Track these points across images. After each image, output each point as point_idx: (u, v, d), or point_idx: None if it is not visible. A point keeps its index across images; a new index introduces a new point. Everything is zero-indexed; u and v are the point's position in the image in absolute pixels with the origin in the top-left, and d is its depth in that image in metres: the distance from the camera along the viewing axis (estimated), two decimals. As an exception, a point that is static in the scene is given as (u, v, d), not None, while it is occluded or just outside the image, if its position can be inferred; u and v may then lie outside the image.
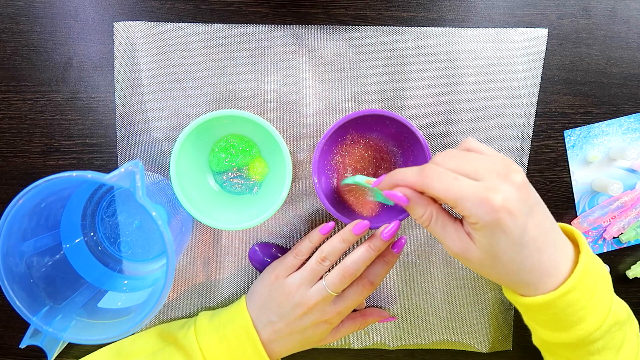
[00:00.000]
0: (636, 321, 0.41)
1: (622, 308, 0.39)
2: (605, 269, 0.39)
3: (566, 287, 0.34)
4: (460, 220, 0.37)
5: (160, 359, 0.43)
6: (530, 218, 0.34)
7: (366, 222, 0.43)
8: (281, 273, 0.45)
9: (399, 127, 0.44)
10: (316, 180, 0.43)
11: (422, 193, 0.37)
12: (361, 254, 0.43)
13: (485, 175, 0.34)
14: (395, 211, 0.46)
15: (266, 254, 0.50)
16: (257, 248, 0.50)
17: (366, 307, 0.52)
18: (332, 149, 0.47)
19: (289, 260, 0.45)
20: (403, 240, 0.46)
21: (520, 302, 0.37)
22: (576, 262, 0.36)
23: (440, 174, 0.34)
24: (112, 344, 0.47)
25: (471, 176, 0.34)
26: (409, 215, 0.42)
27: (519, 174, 0.34)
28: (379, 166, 0.48)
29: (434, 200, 0.37)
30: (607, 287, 0.37)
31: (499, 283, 0.38)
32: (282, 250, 0.50)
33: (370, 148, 0.48)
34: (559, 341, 0.37)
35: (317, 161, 0.43)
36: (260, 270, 0.50)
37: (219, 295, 0.51)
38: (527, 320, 0.40)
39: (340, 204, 0.47)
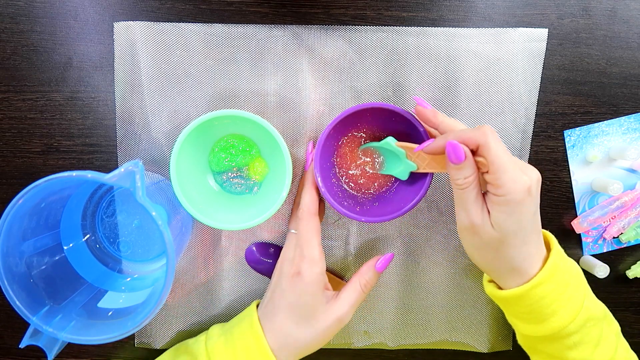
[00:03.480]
0: (616, 323, 0.43)
1: (598, 306, 0.41)
2: (578, 269, 0.42)
3: (536, 280, 0.38)
4: (483, 194, 0.39)
5: None
6: (537, 207, 0.38)
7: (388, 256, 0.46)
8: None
9: (400, 119, 0.44)
10: (319, 179, 0.43)
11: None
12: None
13: (514, 158, 0.38)
14: (403, 188, 0.46)
15: (263, 254, 0.50)
16: (254, 248, 0.50)
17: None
18: (333, 144, 0.47)
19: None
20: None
21: (498, 296, 0.41)
22: (547, 259, 0.39)
23: (497, 137, 0.37)
24: None
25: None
26: (419, 198, 0.43)
27: None
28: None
29: None
30: (579, 284, 0.40)
31: (489, 270, 0.41)
32: (280, 249, 0.50)
33: (369, 139, 0.47)
34: (537, 334, 0.40)
35: (319, 155, 0.43)
36: (257, 270, 0.50)
37: (218, 296, 0.51)
38: (508, 316, 0.44)
39: (341, 189, 0.47)
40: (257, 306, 0.45)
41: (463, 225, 0.39)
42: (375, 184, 0.48)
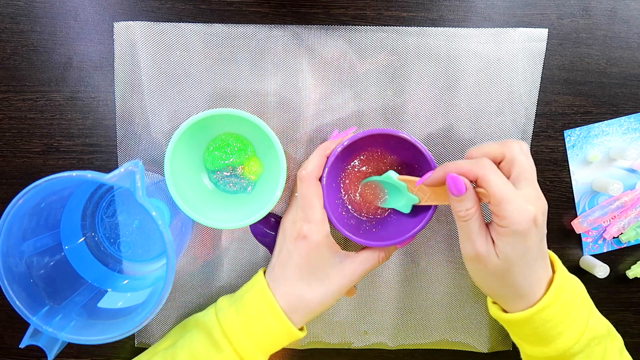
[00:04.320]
0: (619, 337, 0.43)
1: (601, 324, 0.41)
2: (581, 286, 0.42)
3: (542, 305, 0.38)
4: (487, 223, 0.39)
5: (181, 344, 0.43)
6: (543, 236, 0.38)
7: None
8: None
9: (404, 144, 0.43)
10: (325, 199, 0.43)
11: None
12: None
13: (528, 180, 0.37)
14: (402, 220, 0.46)
15: (266, 226, 0.49)
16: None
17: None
18: (340, 165, 0.46)
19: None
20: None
21: (504, 319, 0.41)
22: (552, 280, 0.39)
23: (495, 169, 0.37)
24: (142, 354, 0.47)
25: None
26: (420, 228, 0.43)
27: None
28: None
29: None
30: (584, 304, 0.40)
31: (495, 296, 0.41)
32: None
33: (375, 164, 0.47)
34: (542, 355, 0.40)
35: (326, 183, 0.43)
36: (262, 244, 0.50)
37: (218, 295, 0.51)
38: (513, 337, 0.44)
39: (345, 209, 0.47)
40: (264, 273, 0.45)
41: (468, 255, 0.39)
42: (379, 210, 0.48)
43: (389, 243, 0.43)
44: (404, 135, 0.42)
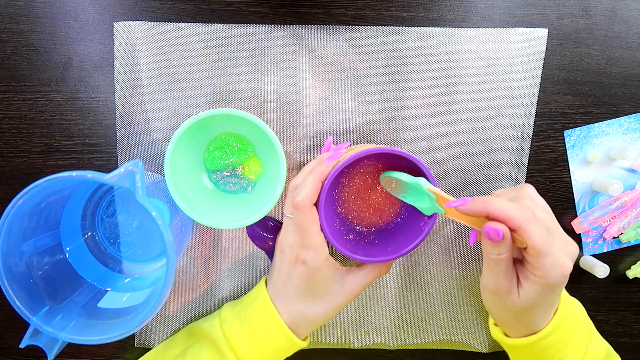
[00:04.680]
0: (618, 358, 0.44)
1: (601, 347, 0.42)
2: (582, 311, 0.43)
3: (545, 332, 0.39)
4: (515, 259, 0.38)
5: (190, 355, 0.43)
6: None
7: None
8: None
9: (402, 159, 0.42)
10: (324, 221, 0.41)
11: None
12: None
13: (554, 230, 0.37)
14: (403, 228, 0.45)
15: (264, 229, 0.49)
16: (254, 224, 0.49)
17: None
18: (334, 182, 0.46)
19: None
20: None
21: (506, 343, 0.42)
22: (557, 309, 0.40)
23: (539, 222, 0.35)
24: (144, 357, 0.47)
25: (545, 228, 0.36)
26: (427, 232, 0.42)
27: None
28: (384, 195, 0.47)
29: None
30: (584, 330, 0.41)
31: (501, 322, 0.42)
32: (277, 223, 0.50)
33: (372, 176, 0.47)
34: None
35: (324, 200, 0.41)
36: (261, 248, 0.49)
37: (218, 296, 0.51)
38: (513, 359, 0.44)
39: (342, 221, 0.47)
40: (266, 282, 0.45)
41: (488, 287, 0.38)
42: (379, 221, 0.47)
43: (389, 258, 0.42)
44: (401, 153, 0.40)
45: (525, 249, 0.36)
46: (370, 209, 0.47)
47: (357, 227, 0.47)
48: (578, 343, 0.40)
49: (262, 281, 0.46)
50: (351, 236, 0.46)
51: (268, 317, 0.42)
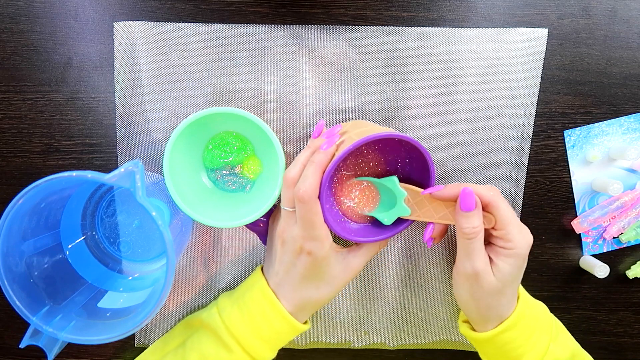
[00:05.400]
0: (588, 358, 0.45)
1: (565, 349, 0.44)
2: (546, 314, 0.45)
3: (503, 327, 0.42)
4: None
5: (190, 345, 0.44)
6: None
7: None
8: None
9: (402, 145, 0.43)
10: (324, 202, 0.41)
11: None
12: None
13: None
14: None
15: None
16: None
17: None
18: (336, 170, 0.46)
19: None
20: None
21: (472, 337, 0.45)
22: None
23: (505, 199, 0.41)
24: (143, 354, 0.48)
25: None
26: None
27: None
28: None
29: None
30: (545, 330, 0.44)
31: (474, 315, 0.44)
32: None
33: (373, 166, 0.46)
34: None
35: (325, 186, 0.40)
36: (252, 229, 0.49)
37: (218, 295, 0.51)
38: (481, 355, 0.47)
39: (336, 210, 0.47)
40: (262, 269, 0.46)
41: (466, 273, 0.41)
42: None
43: (391, 234, 0.43)
44: (401, 136, 0.40)
45: (493, 227, 0.41)
46: (365, 191, 0.47)
47: (355, 208, 0.47)
48: (538, 342, 0.42)
49: (258, 269, 0.46)
50: (349, 220, 0.46)
51: (266, 301, 0.43)
